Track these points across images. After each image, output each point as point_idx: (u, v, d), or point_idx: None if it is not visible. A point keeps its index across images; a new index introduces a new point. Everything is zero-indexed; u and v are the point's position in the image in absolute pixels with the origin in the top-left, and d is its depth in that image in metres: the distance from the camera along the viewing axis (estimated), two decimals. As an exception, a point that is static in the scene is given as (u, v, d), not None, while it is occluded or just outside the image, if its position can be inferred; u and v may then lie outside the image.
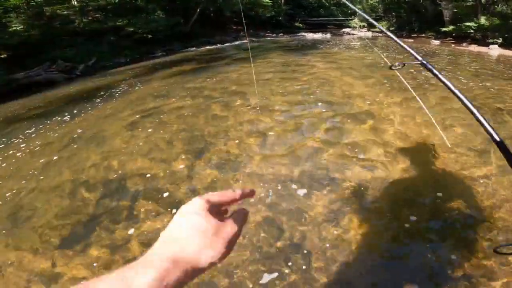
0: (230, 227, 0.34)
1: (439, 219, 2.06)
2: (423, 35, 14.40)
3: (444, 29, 12.73)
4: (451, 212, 2.11)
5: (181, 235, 0.32)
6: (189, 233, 0.32)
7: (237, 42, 14.63)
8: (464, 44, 11.25)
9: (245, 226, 0.40)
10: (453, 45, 11.38)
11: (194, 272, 0.30)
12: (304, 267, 1.76)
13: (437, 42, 12.37)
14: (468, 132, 3.25)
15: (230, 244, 0.33)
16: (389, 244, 1.89)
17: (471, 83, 5.43)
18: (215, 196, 0.37)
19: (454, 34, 12.41)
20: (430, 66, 0.51)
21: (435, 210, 2.14)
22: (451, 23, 12.54)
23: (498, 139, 0.27)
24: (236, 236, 0.34)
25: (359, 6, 20.66)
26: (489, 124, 0.29)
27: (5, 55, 10.14)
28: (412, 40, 13.18)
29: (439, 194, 2.27)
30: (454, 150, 2.93)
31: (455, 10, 12.44)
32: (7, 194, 2.85)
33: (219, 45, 13.73)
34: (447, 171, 2.61)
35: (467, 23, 11.48)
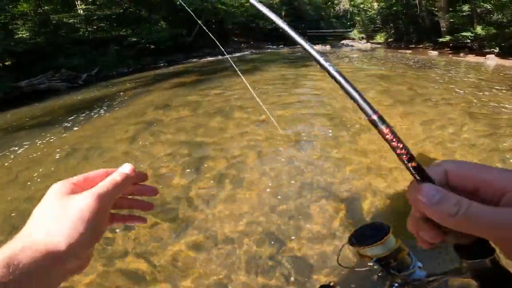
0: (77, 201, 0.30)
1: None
2: (421, 45, 14.59)
3: (441, 39, 12.87)
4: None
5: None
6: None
7: (238, 54, 14.89)
8: (461, 54, 11.37)
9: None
10: (450, 55, 11.50)
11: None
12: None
13: (435, 52, 12.50)
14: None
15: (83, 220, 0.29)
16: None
17: (468, 94, 5.48)
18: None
19: (451, 44, 12.54)
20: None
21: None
22: (448, 33, 12.69)
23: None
24: (87, 209, 0.29)
25: (358, 18, 21.09)
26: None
27: (10, 63, 10.26)
28: (410, 51, 13.35)
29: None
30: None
31: (451, 20, 12.61)
32: (1, 203, 2.84)
33: (219, 57, 13.95)
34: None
35: (464, 33, 11.62)
